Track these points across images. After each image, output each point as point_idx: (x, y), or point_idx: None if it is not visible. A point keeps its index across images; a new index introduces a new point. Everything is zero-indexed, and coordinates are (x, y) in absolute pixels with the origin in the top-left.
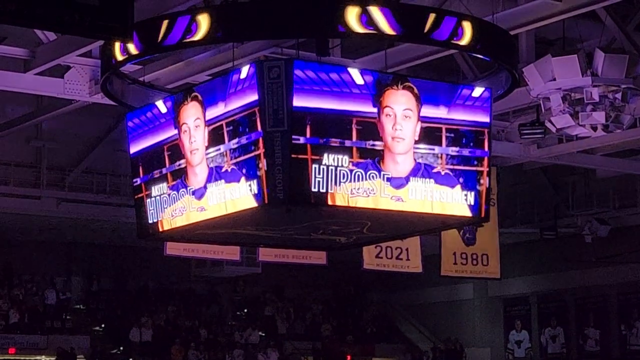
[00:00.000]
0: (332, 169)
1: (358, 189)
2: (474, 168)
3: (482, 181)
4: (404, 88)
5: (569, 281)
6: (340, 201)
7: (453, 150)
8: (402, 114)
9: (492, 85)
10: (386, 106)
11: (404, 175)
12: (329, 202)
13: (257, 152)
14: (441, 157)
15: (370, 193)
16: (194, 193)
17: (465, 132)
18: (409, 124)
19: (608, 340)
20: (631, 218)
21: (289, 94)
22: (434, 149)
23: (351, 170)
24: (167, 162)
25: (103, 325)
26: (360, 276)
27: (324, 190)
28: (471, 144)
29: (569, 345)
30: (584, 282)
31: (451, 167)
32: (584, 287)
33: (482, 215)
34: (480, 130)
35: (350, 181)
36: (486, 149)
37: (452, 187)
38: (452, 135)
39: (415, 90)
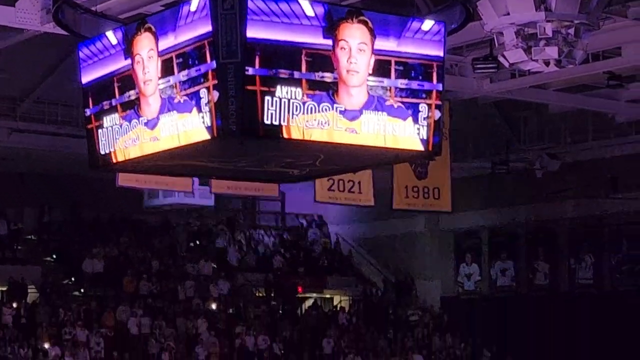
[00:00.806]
0: (285, 101)
1: (312, 121)
2: (423, 101)
3: (432, 115)
4: (358, 22)
5: (519, 215)
6: (295, 133)
7: (402, 83)
8: (356, 48)
9: (446, 19)
10: (341, 39)
11: (357, 107)
12: (284, 135)
13: (207, 85)
14: (390, 90)
15: (324, 125)
16: (146, 124)
17: (415, 65)
18: (364, 57)
19: (557, 274)
20: (582, 153)
21: (243, 25)
22: (383, 82)
23: (304, 103)
24: (116, 93)
25: (55, 256)
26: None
27: (278, 123)
28: (420, 77)
29: (519, 278)
30: (535, 217)
31: (400, 99)
32: (534, 221)
33: (434, 149)
34: (429, 64)
35: (304, 113)
36: (435, 82)
37: (404, 119)
38: (401, 68)
39: (370, 24)
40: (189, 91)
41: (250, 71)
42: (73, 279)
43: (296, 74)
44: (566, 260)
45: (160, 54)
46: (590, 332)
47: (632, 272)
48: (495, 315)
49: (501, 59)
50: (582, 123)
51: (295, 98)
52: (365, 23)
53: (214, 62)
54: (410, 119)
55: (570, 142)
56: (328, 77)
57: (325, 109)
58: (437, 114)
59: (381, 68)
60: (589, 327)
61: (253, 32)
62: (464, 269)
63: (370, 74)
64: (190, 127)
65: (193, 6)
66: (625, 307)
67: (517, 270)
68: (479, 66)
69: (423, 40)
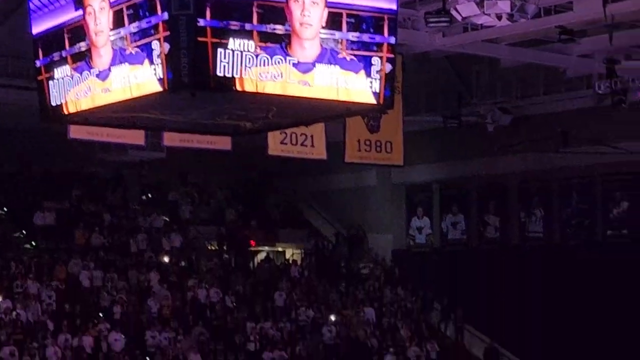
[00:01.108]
0: (237, 54)
1: (265, 73)
2: (375, 54)
3: (383, 68)
4: None
5: (470, 169)
6: (248, 86)
7: (353, 36)
8: (310, 0)
9: None
10: None
11: (310, 60)
12: (237, 87)
13: (158, 37)
14: (342, 43)
15: (277, 78)
16: (98, 75)
17: (366, 18)
18: (317, 10)
19: (508, 228)
20: (533, 107)
21: None
22: (334, 34)
23: (257, 55)
24: (67, 44)
25: (5, 209)
26: (266, 163)
27: (230, 75)
28: (371, 30)
29: (470, 232)
30: (486, 170)
31: (352, 52)
32: (485, 175)
33: (386, 102)
34: (381, 17)
35: (257, 65)
36: (387, 35)
37: (357, 72)
38: (353, 20)
39: None
40: (140, 43)
41: (201, 23)
42: (24, 232)
43: (247, 26)
44: (517, 213)
45: (111, 5)
46: (541, 284)
47: (582, 225)
48: (446, 268)
49: (454, 12)
50: (533, 77)
51: (248, 50)
52: None
53: (165, 13)
54: (362, 72)
55: (521, 96)
56: (280, 29)
57: (278, 62)
58: (388, 67)
59: (333, 21)
60: (539, 280)
61: None
62: (415, 223)
63: (322, 27)
64: (142, 79)
65: None
66: (575, 260)
67: (468, 223)
68: (431, 20)
69: None
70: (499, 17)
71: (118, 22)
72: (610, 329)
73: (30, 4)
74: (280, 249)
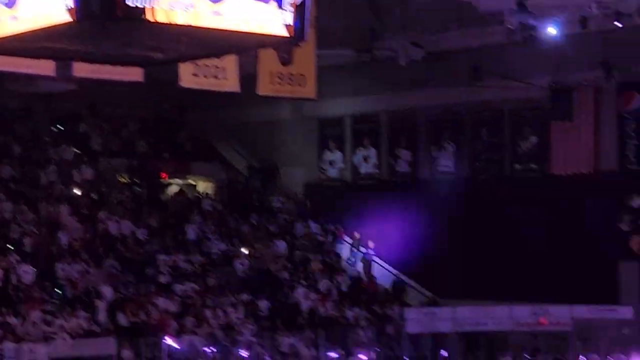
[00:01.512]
0: None
1: (176, 3)
2: None
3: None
4: None
5: (382, 103)
6: (159, 16)
7: None
8: None
9: None
10: None
11: None
12: (148, 17)
13: None
14: None
15: (189, 8)
16: (6, 3)
17: None
18: None
19: (418, 162)
20: (445, 42)
21: None
22: None
23: None
24: None
25: None
26: (178, 95)
27: (141, 5)
28: None
29: (381, 166)
30: (397, 105)
31: None
32: (396, 110)
33: (297, 34)
34: None
35: None
36: None
37: (268, 3)
38: None
39: None
40: None
41: None
42: None
43: None
44: (428, 148)
45: None
46: (450, 218)
47: (491, 160)
48: (358, 202)
49: None
50: (446, 12)
51: None
52: None
53: None
54: (274, 3)
55: (434, 31)
56: None
57: None
58: None
59: None
60: (449, 214)
61: None
62: (327, 156)
63: None
64: (50, 8)
65: None
66: (484, 194)
67: (380, 157)
68: None
69: None
70: None
71: None
72: (517, 261)
73: None
74: (192, 182)
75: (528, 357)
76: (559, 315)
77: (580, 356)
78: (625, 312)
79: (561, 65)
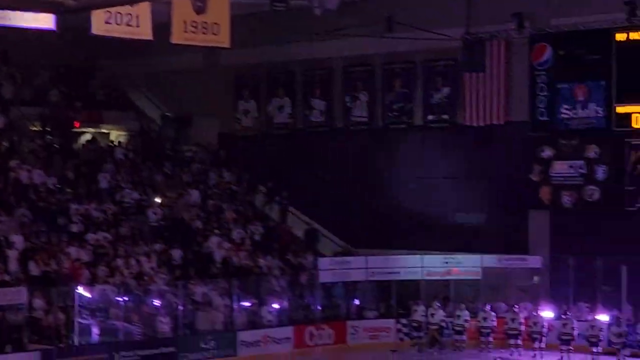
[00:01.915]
0: None
1: None
2: None
3: None
4: None
5: (297, 53)
6: None
7: None
8: None
9: None
10: None
11: None
12: None
13: None
14: None
15: None
16: None
17: None
18: None
19: (332, 111)
20: None
21: None
22: None
23: None
24: None
25: None
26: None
27: None
28: None
29: (295, 115)
30: (312, 54)
31: None
32: (311, 59)
33: None
34: None
35: None
36: None
37: None
38: None
39: None
40: None
41: None
42: None
43: None
44: (341, 97)
45: None
46: (363, 167)
47: (403, 110)
48: (272, 152)
49: None
50: None
51: None
52: None
53: None
54: None
55: None
56: None
57: None
58: None
59: None
60: (362, 163)
61: None
62: (241, 106)
63: None
64: None
65: None
66: (397, 143)
67: (294, 107)
68: None
69: None
70: None
71: None
72: (429, 211)
73: None
74: (105, 131)
75: (439, 305)
76: (469, 265)
77: (487, 304)
78: (534, 261)
79: (474, 17)
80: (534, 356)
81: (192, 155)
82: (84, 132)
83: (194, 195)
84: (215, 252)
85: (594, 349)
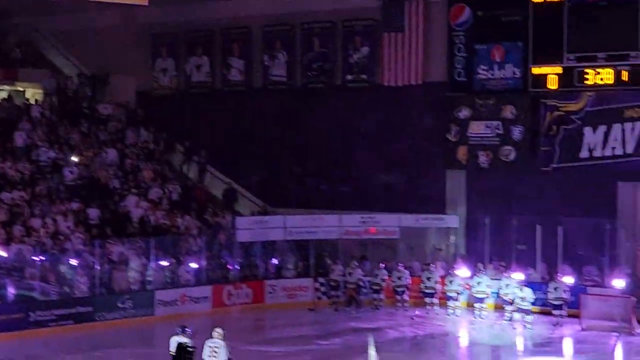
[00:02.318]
0: None
1: None
2: None
3: None
4: None
5: (215, 11)
6: None
7: None
8: None
9: None
10: None
11: None
12: None
13: None
14: None
15: None
16: None
17: None
18: None
19: (251, 71)
20: None
21: None
22: None
23: None
24: None
25: None
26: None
27: None
28: None
29: (213, 74)
30: (231, 13)
31: None
32: (230, 18)
33: None
34: None
35: None
36: None
37: None
38: None
39: None
40: None
41: None
42: None
43: None
44: (260, 57)
45: None
46: (282, 127)
47: (322, 69)
48: (190, 111)
49: None
50: None
51: None
52: None
53: None
54: None
55: None
56: None
57: None
58: None
59: None
60: (281, 123)
61: None
62: (159, 64)
63: None
64: None
65: None
66: (316, 103)
67: (212, 66)
68: None
69: None
70: None
71: None
72: (347, 171)
73: None
74: (20, 89)
75: (356, 264)
76: (387, 224)
77: (400, 264)
78: (451, 220)
79: None
80: (450, 314)
81: (109, 114)
82: None
83: (111, 154)
84: (133, 212)
85: (507, 307)
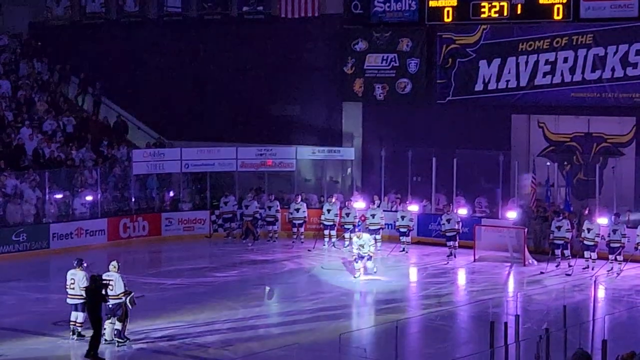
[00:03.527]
0: None
1: None
2: None
3: None
4: None
5: None
6: None
7: None
8: None
9: None
10: None
11: None
12: None
13: None
14: None
15: None
16: None
17: None
18: None
19: (147, 1)
20: None
21: None
22: None
23: None
24: None
25: None
26: None
27: None
28: None
29: (109, 4)
30: None
31: None
32: None
33: None
34: None
35: None
36: None
37: None
38: None
39: None
40: None
41: None
42: None
43: None
44: None
45: None
46: (177, 58)
47: (218, 1)
48: (84, 42)
49: None
50: None
51: None
52: None
53: None
54: None
55: None
56: None
57: None
58: None
59: None
60: (177, 54)
61: None
62: None
63: None
64: None
65: None
66: (212, 35)
67: None
68: None
69: None
70: None
71: None
72: (243, 103)
73: None
74: None
75: (252, 196)
76: (284, 156)
77: (298, 196)
78: (347, 153)
79: None
80: (347, 246)
81: (3, 45)
82: None
83: (4, 85)
84: (27, 144)
85: (403, 239)
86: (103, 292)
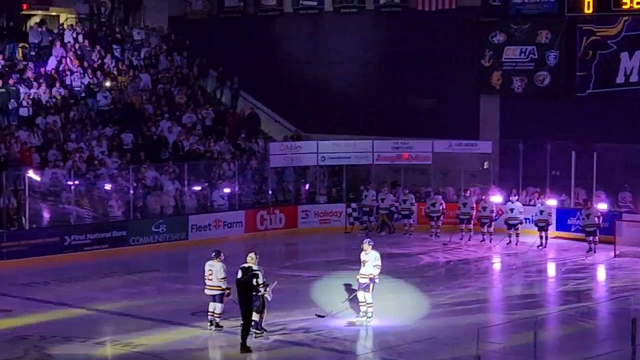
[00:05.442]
0: None
1: None
2: None
3: None
4: None
5: None
6: None
7: None
8: None
9: None
10: None
11: None
12: None
13: None
14: None
15: None
16: None
17: None
18: None
19: None
20: None
21: None
22: None
23: None
24: None
25: None
26: None
27: None
28: None
29: None
30: None
31: None
32: None
33: None
34: None
35: None
36: None
37: None
38: None
39: None
40: None
41: None
42: None
43: None
44: None
45: None
46: (314, 50)
47: None
48: (223, 35)
49: None
50: None
51: None
52: None
53: None
54: None
55: None
56: None
57: None
58: None
59: None
60: (312, 46)
61: None
62: None
63: None
64: None
65: None
66: (347, 28)
67: None
68: None
69: None
70: None
71: None
72: (376, 97)
73: None
74: (54, 13)
75: (387, 190)
76: (420, 150)
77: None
78: (484, 146)
79: None
80: (483, 240)
81: (143, 39)
82: (32, 15)
83: (144, 79)
84: (167, 137)
85: (542, 233)
86: (254, 282)
